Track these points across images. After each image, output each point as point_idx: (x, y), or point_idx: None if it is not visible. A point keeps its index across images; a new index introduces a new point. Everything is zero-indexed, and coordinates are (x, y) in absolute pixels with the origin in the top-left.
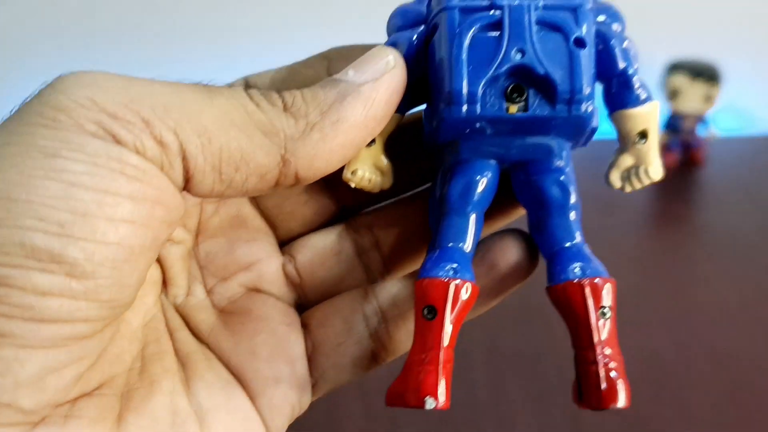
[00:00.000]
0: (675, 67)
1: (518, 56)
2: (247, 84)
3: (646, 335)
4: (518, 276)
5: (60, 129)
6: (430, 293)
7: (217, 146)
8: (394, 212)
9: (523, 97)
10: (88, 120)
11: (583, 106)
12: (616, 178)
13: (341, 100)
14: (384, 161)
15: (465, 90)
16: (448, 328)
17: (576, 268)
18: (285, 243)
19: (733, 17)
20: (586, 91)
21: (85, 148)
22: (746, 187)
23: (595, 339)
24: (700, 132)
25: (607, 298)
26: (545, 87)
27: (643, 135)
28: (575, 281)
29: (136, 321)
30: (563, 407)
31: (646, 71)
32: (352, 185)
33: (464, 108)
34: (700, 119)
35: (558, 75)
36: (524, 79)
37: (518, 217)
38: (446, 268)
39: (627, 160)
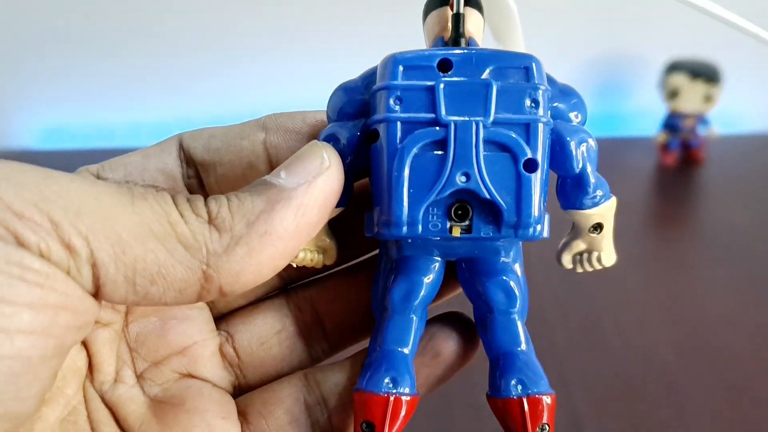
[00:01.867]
0: (675, 67)
1: (463, 180)
2: (181, 145)
3: (646, 334)
4: (461, 362)
5: None
6: (369, 409)
7: (131, 257)
8: (337, 286)
9: (468, 217)
10: None
11: (531, 230)
12: (567, 261)
13: (270, 208)
14: (326, 240)
15: (405, 214)
16: None
17: (517, 382)
18: (222, 316)
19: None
20: (535, 215)
21: None
22: (745, 186)
23: None
24: (700, 131)
25: (546, 414)
26: (491, 210)
27: (598, 227)
28: (515, 398)
29: (53, 415)
30: (563, 407)
31: (647, 71)
32: (294, 265)
33: (404, 229)
34: (699, 119)
35: (505, 200)
36: (469, 200)
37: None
38: (385, 380)
39: (580, 245)
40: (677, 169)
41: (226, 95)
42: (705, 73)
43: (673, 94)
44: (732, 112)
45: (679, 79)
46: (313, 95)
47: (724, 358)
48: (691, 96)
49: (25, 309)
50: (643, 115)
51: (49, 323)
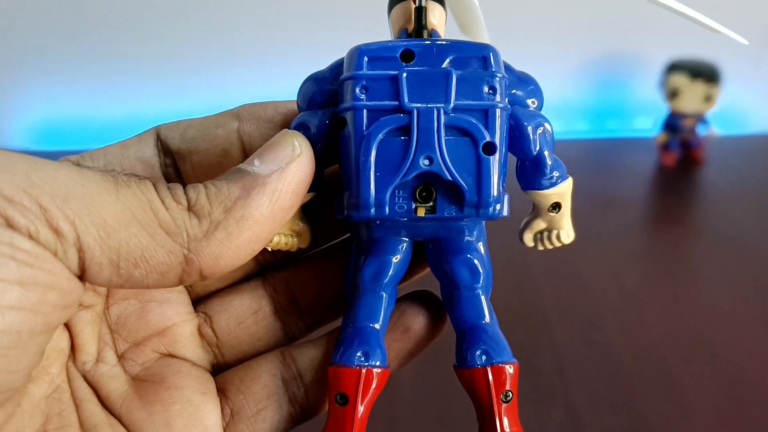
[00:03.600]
0: (675, 67)
1: (426, 163)
2: (158, 136)
3: (645, 331)
4: (430, 336)
5: None
6: (342, 381)
7: (115, 241)
8: (311, 268)
9: (432, 198)
10: None
11: (491, 209)
12: (529, 239)
13: (246, 194)
14: (300, 225)
15: (372, 197)
16: (358, 413)
17: (482, 353)
18: (200, 299)
19: (733, 17)
20: (495, 194)
21: None
22: (745, 185)
23: (497, 424)
24: (700, 131)
25: (509, 382)
26: (453, 191)
27: (556, 206)
28: (480, 368)
29: (38, 392)
30: (563, 404)
31: (646, 71)
32: (269, 249)
33: (372, 211)
34: (699, 119)
35: (466, 181)
36: (433, 182)
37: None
38: (357, 354)
39: (540, 224)
40: (677, 168)
41: (223, 92)
42: (705, 73)
43: (673, 94)
44: (732, 112)
45: (679, 79)
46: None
47: (724, 355)
48: (691, 96)
49: (16, 286)
50: (643, 115)
51: (38, 301)
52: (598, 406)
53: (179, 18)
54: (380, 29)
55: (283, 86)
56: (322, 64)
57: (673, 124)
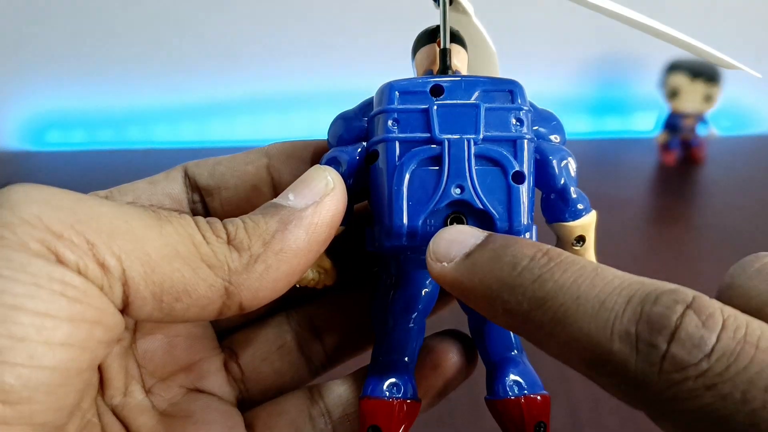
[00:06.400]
0: (675, 67)
1: (457, 191)
2: (186, 173)
3: None
4: (460, 377)
5: (2, 246)
6: (374, 414)
7: (159, 276)
8: (334, 303)
9: None
10: (33, 239)
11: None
12: None
13: (283, 228)
14: (327, 261)
15: (405, 225)
16: None
17: (514, 384)
18: (225, 334)
19: (733, 17)
20: (524, 222)
21: (27, 267)
22: (745, 185)
23: None
24: (700, 131)
25: (543, 414)
26: (484, 219)
27: (581, 240)
28: (513, 398)
29: (72, 428)
30: (562, 404)
31: (647, 70)
32: (297, 285)
33: (404, 239)
34: (699, 118)
35: (496, 209)
36: (464, 211)
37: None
38: (389, 385)
39: None
40: (677, 168)
41: (227, 83)
42: (705, 73)
43: (673, 94)
44: (732, 112)
45: (679, 79)
46: (312, 89)
47: None
48: (691, 96)
49: (66, 323)
50: (644, 114)
51: (85, 337)
52: (598, 404)
53: (175, 11)
54: (384, 45)
55: (287, 81)
56: (325, 63)
57: (673, 123)
